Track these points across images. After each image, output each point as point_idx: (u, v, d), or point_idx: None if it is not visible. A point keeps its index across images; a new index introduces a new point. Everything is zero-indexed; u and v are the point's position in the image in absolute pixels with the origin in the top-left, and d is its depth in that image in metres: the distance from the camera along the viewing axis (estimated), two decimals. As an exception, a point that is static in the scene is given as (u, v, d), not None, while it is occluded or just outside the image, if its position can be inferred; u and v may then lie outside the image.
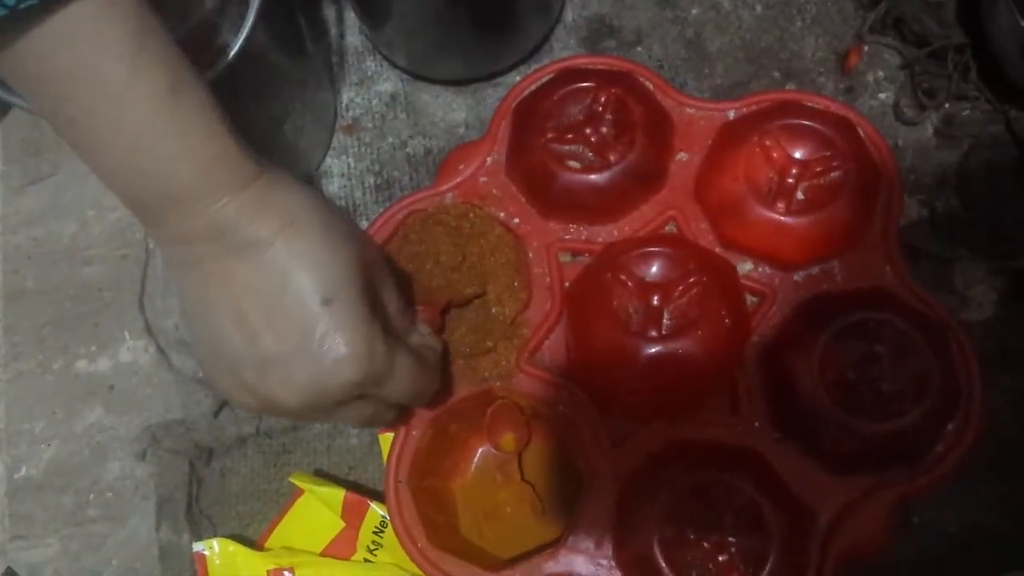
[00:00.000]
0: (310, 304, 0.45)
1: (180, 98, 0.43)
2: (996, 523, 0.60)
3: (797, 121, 0.60)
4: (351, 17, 0.77)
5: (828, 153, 0.59)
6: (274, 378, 0.46)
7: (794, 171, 0.59)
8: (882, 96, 0.71)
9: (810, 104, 0.61)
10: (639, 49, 0.75)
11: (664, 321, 0.56)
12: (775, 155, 0.59)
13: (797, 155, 0.60)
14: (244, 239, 0.45)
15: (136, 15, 0.41)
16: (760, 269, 0.60)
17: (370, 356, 0.46)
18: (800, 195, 0.59)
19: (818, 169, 0.59)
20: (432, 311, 0.57)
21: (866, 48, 0.72)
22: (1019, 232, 0.65)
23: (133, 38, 0.41)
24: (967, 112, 0.70)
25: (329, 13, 0.78)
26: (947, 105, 0.70)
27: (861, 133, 0.60)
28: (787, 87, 0.72)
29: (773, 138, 0.60)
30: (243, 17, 0.56)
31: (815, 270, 0.59)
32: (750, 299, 0.60)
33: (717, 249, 0.60)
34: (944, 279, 0.65)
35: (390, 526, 0.58)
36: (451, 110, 0.75)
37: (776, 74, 0.73)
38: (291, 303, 0.45)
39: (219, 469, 0.66)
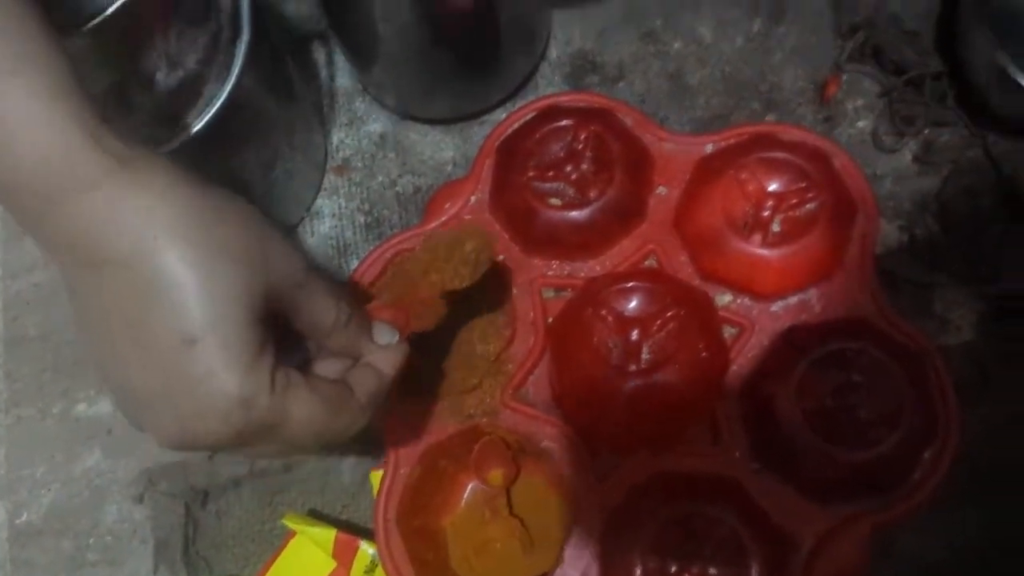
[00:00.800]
0: (169, 345, 0.37)
1: (16, 77, 0.36)
2: (977, 550, 0.61)
3: (772, 154, 0.61)
4: (341, 59, 0.78)
5: (803, 185, 0.60)
6: (146, 417, 0.40)
7: (769, 203, 0.60)
8: (861, 124, 0.72)
9: (785, 136, 0.62)
10: (621, 84, 0.75)
11: (643, 355, 0.57)
12: (751, 188, 0.60)
13: (772, 187, 0.60)
14: (97, 256, 0.37)
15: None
16: (739, 301, 0.60)
17: (246, 407, 0.38)
18: (776, 227, 0.60)
19: (793, 201, 0.60)
20: (403, 312, 0.52)
21: (845, 77, 0.73)
22: (998, 255, 0.66)
23: None
24: (945, 138, 0.70)
25: (319, 56, 0.79)
26: (925, 132, 0.70)
27: (836, 164, 0.61)
28: (767, 118, 0.73)
29: (749, 171, 0.61)
30: (229, 67, 0.57)
31: (792, 300, 0.60)
32: (729, 330, 0.60)
33: (696, 281, 0.61)
34: (923, 304, 0.65)
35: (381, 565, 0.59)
36: (439, 149, 0.76)
37: (756, 105, 0.74)
38: (152, 340, 0.37)
39: (215, 511, 0.67)
